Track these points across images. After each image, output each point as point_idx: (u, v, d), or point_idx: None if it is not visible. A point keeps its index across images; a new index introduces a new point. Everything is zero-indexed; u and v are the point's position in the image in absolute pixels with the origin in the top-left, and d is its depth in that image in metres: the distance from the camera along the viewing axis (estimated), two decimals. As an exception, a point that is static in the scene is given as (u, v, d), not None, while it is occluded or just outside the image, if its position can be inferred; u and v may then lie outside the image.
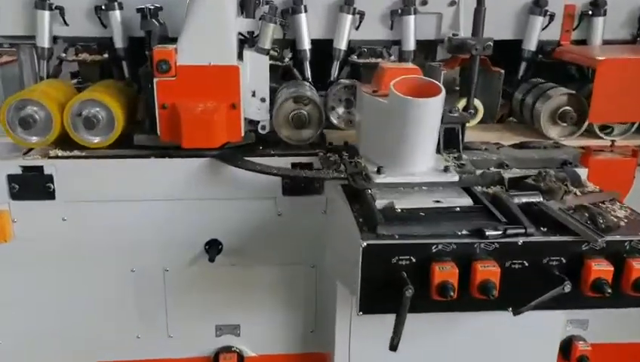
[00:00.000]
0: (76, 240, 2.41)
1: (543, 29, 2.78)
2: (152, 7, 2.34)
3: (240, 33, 2.52)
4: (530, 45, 2.82)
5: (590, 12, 2.78)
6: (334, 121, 2.71)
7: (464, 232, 1.81)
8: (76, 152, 2.36)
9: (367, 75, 2.81)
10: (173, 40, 2.42)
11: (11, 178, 2.29)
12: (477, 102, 2.68)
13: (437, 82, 2.07)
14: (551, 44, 2.85)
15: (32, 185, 2.31)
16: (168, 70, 2.23)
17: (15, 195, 2.31)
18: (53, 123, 2.34)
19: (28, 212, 2.34)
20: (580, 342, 2.83)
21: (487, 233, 1.77)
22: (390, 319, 1.77)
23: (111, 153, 2.37)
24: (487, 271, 1.75)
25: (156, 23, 2.34)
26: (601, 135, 2.69)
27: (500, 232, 1.77)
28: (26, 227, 2.36)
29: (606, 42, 2.85)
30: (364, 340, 2.36)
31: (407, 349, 1.80)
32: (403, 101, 1.98)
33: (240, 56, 2.36)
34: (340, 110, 2.74)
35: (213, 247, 2.46)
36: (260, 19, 2.42)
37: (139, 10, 2.34)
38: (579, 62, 2.75)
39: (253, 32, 2.54)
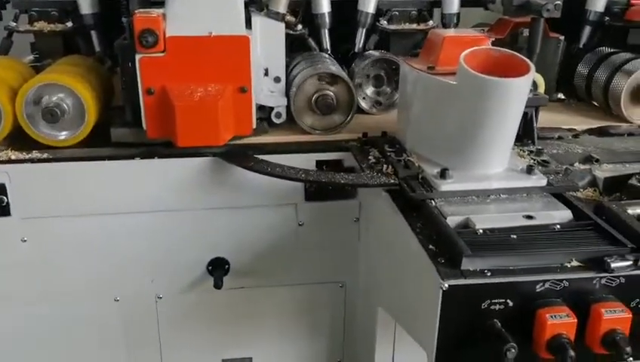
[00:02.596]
0: (41, 267, 1.89)
1: (614, -15, 2.29)
2: (130, -41, 1.78)
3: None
4: (597, 5, 2.32)
5: (671, -37, 2.29)
6: (362, 103, 2.18)
7: (574, 263, 1.33)
8: (35, 153, 1.80)
9: (397, 44, 2.30)
10: (157, 4, 1.88)
11: (-52, 190, 1.74)
12: (538, 77, 2.17)
13: (520, 55, 1.56)
14: (618, 4, 2.35)
15: (-22, 199, 1.77)
16: (155, 43, 1.68)
17: (-45, 213, 1.77)
18: (2, 115, 1.78)
19: None
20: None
21: (612, 264, 1.29)
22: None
23: (82, 153, 1.83)
24: (615, 317, 1.27)
25: (135, -20, 1.78)
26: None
27: (629, 262, 1.30)
28: (-27, 253, 1.83)
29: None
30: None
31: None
32: (481, 82, 1.47)
33: (247, 24, 1.81)
34: (369, 90, 2.21)
35: (218, 268, 1.97)
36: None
37: (112, -37, 1.78)
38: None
39: (261, -8, 1.98)
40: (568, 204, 1.53)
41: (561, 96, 2.54)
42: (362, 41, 2.26)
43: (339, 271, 2.06)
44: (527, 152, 1.76)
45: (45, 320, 1.97)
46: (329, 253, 2.02)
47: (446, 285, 1.26)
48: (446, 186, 1.55)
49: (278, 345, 2.16)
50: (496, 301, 1.29)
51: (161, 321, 2.03)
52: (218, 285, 1.90)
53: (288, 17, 1.97)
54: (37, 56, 2.23)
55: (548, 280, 1.29)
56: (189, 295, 2.01)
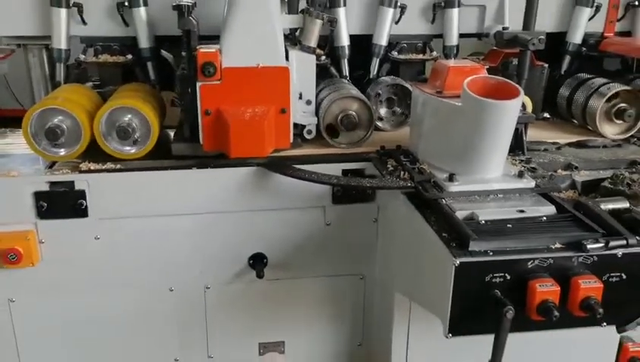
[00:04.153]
0: (110, 260, 2.21)
1: (590, 19, 2.67)
2: (190, 4, 2.12)
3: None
4: (576, 38, 2.72)
5: (637, 2, 2.69)
6: (377, 121, 2.55)
7: (557, 245, 1.69)
8: (109, 165, 2.14)
9: (406, 71, 2.67)
10: (206, 38, 2.24)
11: (38, 195, 2.07)
12: (526, 99, 2.55)
13: (511, 81, 1.94)
14: (593, 37, 2.75)
15: (62, 203, 2.09)
16: (214, 73, 2.03)
17: (43, 214, 2.09)
18: (82, 133, 2.12)
19: (57, 232, 2.13)
20: (630, 344, 2.74)
21: (588, 246, 1.65)
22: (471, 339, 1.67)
23: (148, 165, 2.16)
24: (590, 287, 1.63)
25: (194, 20, 2.12)
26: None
27: (601, 245, 1.65)
28: (54, 248, 2.14)
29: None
30: (421, 353, 2.25)
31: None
32: (481, 104, 1.84)
33: (286, 56, 2.18)
34: (383, 110, 2.58)
35: (258, 262, 2.29)
36: (303, 13, 2.24)
37: (175, 7, 2.11)
38: (628, 54, 2.65)
39: (295, 29, 2.35)
40: (553, 201, 1.89)
41: (546, 115, 2.92)
42: (376, 69, 2.63)
43: (359, 264, 2.38)
44: (518, 161, 2.12)
45: (109, 307, 2.26)
46: (351, 249, 2.35)
47: (458, 262, 1.61)
48: (454, 188, 1.91)
49: (306, 330, 2.46)
50: (496, 275, 1.63)
51: (208, 308, 2.34)
52: (260, 275, 2.23)
53: (318, 50, 2.33)
54: (96, 83, 2.56)
55: (537, 258, 1.63)
56: (232, 285, 2.33)
